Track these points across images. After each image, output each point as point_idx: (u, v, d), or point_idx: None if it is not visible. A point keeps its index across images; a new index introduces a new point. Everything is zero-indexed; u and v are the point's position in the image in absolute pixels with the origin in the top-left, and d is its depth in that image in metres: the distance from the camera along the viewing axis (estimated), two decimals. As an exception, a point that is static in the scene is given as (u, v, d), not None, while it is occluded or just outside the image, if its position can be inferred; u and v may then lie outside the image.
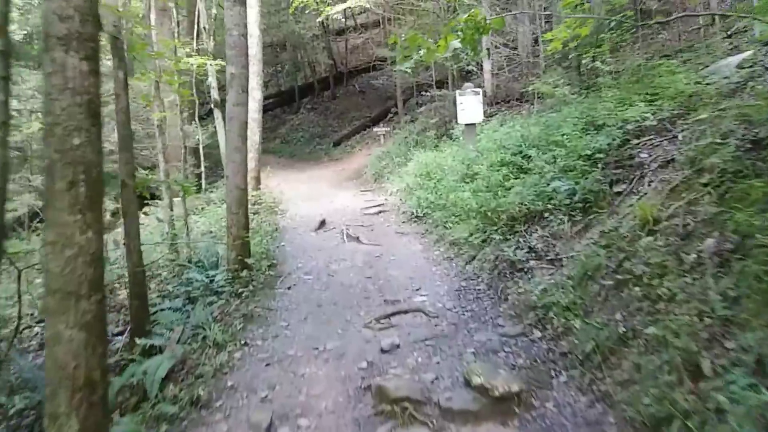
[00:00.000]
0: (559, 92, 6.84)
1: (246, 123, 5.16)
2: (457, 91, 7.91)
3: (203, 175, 11.29)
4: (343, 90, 23.83)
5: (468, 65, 10.92)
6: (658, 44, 9.47)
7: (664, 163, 4.66)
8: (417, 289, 4.82)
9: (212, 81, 11.23)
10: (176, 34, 11.56)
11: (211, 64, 11.28)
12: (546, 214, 5.07)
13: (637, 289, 3.28)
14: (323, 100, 23.78)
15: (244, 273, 4.96)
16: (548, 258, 4.47)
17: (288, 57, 24.53)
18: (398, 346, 3.63)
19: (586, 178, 4.92)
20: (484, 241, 5.37)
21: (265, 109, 24.60)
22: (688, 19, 10.33)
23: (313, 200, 9.95)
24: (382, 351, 3.60)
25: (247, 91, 5.09)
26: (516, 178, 6.18)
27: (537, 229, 5.02)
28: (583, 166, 5.12)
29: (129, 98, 4.09)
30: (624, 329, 3.04)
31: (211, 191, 12.69)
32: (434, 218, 6.76)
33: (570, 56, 6.99)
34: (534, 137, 7.01)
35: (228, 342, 3.79)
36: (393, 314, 4.23)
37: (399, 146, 13.24)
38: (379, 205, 8.81)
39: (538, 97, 10.10)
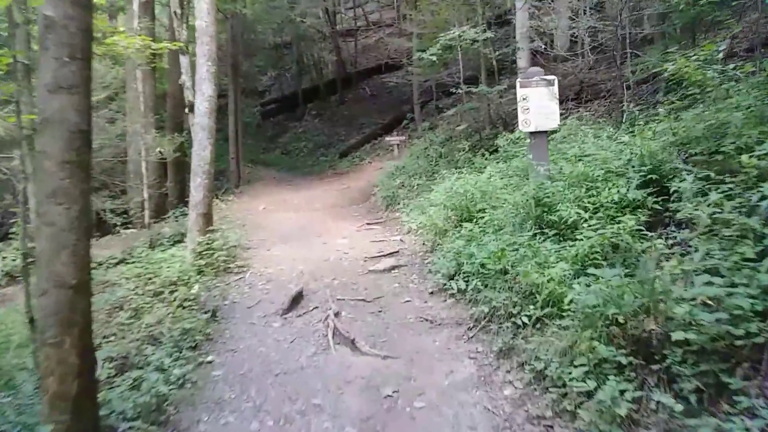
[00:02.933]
0: (711, 74, 3.85)
1: (87, 132, 2.31)
2: (519, 81, 4.95)
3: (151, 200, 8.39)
4: (352, 94, 21.10)
5: (515, 50, 7.96)
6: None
7: None
8: None
9: (185, 79, 8.48)
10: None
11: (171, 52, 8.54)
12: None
13: None
14: (330, 105, 21.10)
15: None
16: None
17: (292, 58, 21.81)
18: None
19: None
20: (623, 392, 2.40)
21: (267, 116, 21.93)
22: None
23: (298, 240, 7.02)
24: None
25: (85, 59, 2.25)
26: (652, 234, 3.22)
27: (758, 395, 2.04)
28: None
29: None
30: None
31: (177, 218, 9.87)
32: (491, 300, 3.77)
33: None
34: (659, 155, 4.03)
35: None
36: None
37: (417, 160, 10.30)
38: (392, 254, 5.86)
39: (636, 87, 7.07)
